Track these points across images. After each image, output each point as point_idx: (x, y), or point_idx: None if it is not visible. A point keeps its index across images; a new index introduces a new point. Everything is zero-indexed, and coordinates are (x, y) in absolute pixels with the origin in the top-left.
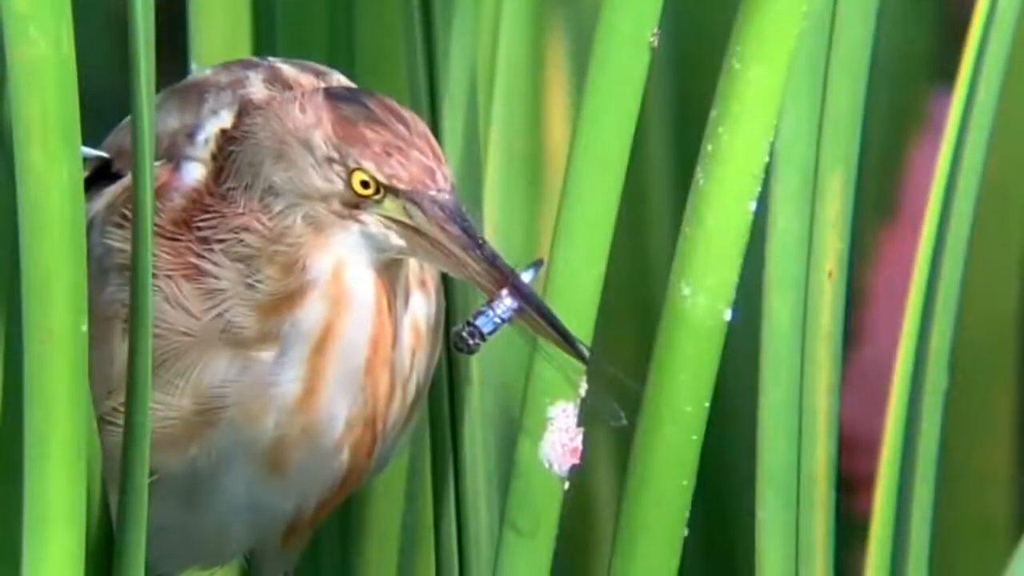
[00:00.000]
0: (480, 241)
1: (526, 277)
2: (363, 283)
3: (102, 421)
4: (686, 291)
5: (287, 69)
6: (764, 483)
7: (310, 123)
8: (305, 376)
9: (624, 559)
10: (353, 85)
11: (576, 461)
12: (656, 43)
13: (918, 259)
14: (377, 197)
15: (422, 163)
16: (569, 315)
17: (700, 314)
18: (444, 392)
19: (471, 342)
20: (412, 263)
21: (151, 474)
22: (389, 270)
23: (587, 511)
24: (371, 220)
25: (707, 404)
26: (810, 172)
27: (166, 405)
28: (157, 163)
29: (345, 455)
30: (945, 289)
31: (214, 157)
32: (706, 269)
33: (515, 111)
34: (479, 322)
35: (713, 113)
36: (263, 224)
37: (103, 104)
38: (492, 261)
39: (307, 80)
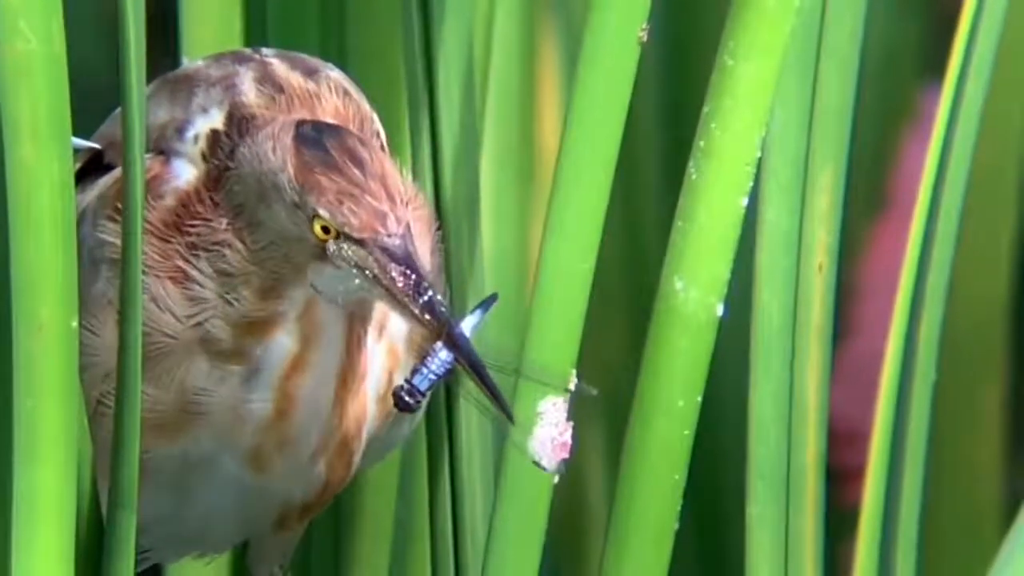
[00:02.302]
0: (422, 289)
1: (472, 320)
2: (332, 320)
3: (99, 404)
4: (678, 286)
5: (278, 66)
6: (754, 476)
7: (279, 167)
8: (276, 399)
9: (616, 552)
10: (346, 83)
11: (565, 456)
12: (646, 38)
13: (908, 252)
14: (339, 242)
15: (373, 209)
16: (559, 308)
17: (692, 308)
18: (439, 388)
19: (410, 401)
20: None
21: (144, 458)
22: (361, 305)
23: (579, 504)
24: (339, 263)
25: (699, 398)
26: (801, 166)
27: (156, 398)
28: (147, 155)
29: (322, 467)
30: (934, 282)
31: (204, 157)
32: (698, 264)
33: (508, 105)
34: (415, 380)
35: (705, 108)
36: (245, 245)
37: (94, 99)
38: (431, 311)
39: (297, 80)
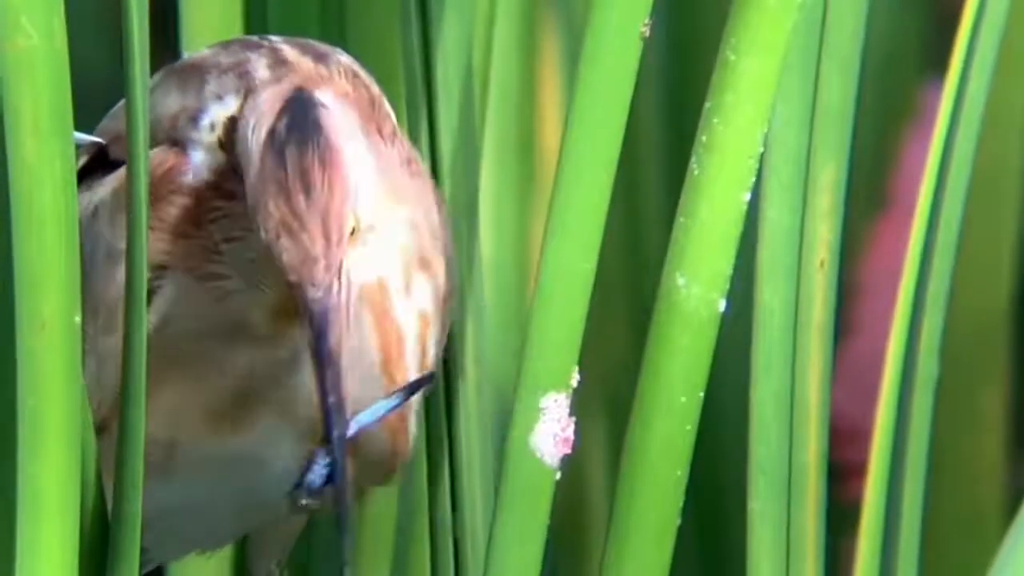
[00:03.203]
0: (330, 363)
1: (377, 412)
2: (354, 300)
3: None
4: (680, 282)
5: (288, 52)
6: (756, 472)
7: (251, 161)
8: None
9: (618, 548)
10: (355, 67)
11: (567, 451)
12: (648, 34)
13: (909, 250)
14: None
15: (306, 251)
16: (561, 308)
17: (694, 305)
18: (439, 384)
19: (303, 500)
20: (412, 249)
21: (203, 452)
22: (382, 276)
23: (580, 500)
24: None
25: (701, 394)
26: (802, 163)
27: (209, 389)
28: (159, 148)
29: (385, 435)
30: (936, 279)
31: (222, 146)
32: (700, 260)
33: (508, 104)
34: (308, 477)
35: (707, 104)
36: None
37: (95, 96)
38: (326, 390)
39: (307, 65)
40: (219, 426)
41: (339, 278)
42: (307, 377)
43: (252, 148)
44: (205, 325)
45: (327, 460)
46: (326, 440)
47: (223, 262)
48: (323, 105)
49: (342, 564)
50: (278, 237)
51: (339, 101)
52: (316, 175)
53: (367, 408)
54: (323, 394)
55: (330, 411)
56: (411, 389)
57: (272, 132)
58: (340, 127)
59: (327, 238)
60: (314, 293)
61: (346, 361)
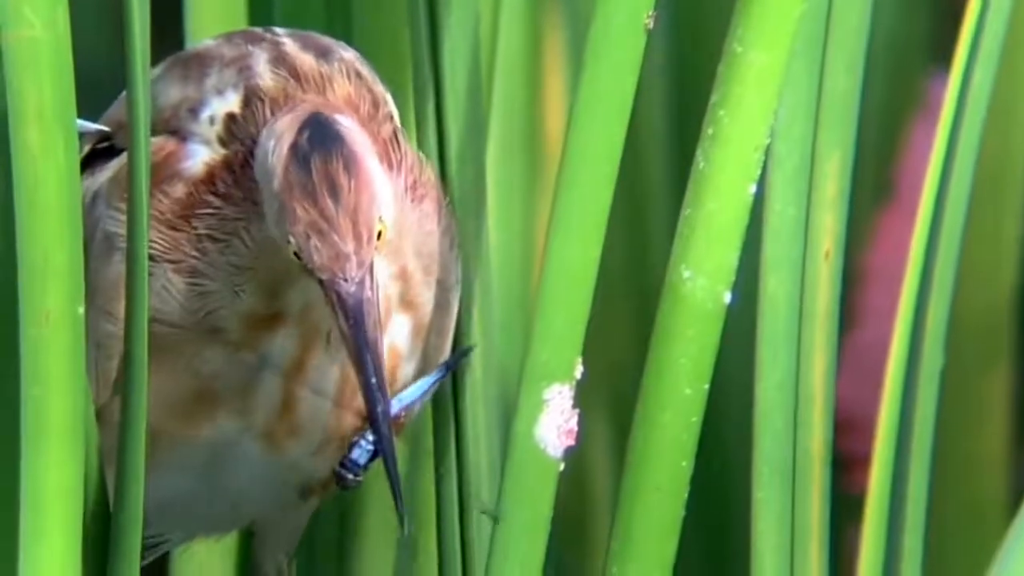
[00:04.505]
0: (369, 349)
1: (419, 390)
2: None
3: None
4: (686, 274)
5: (291, 47)
6: (760, 463)
7: (272, 171)
8: (281, 395)
9: (623, 539)
10: (358, 63)
11: (571, 443)
12: (652, 25)
13: (914, 240)
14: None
15: (337, 249)
16: (565, 297)
17: (700, 297)
18: (447, 377)
19: (349, 477)
20: (395, 297)
21: (172, 444)
22: None
23: (585, 492)
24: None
25: (706, 386)
26: (808, 154)
27: (173, 384)
28: (159, 137)
29: (331, 454)
30: (941, 270)
31: (222, 141)
32: (706, 252)
33: (513, 93)
34: (354, 455)
35: (714, 96)
36: (251, 235)
37: (98, 85)
38: (366, 371)
39: (309, 63)
40: (181, 420)
41: (370, 275)
42: (268, 384)
43: (273, 163)
44: (181, 320)
45: (372, 438)
46: (370, 419)
47: (205, 261)
48: (342, 124)
49: (400, 527)
50: (308, 238)
51: (357, 124)
52: (342, 179)
53: (410, 386)
54: (365, 377)
55: (372, 391)
56: (449, 365)
57: (294, 145)
58: (361, 142)
59: (357, 238)
60: (347, 288)
61: (310, 387)
